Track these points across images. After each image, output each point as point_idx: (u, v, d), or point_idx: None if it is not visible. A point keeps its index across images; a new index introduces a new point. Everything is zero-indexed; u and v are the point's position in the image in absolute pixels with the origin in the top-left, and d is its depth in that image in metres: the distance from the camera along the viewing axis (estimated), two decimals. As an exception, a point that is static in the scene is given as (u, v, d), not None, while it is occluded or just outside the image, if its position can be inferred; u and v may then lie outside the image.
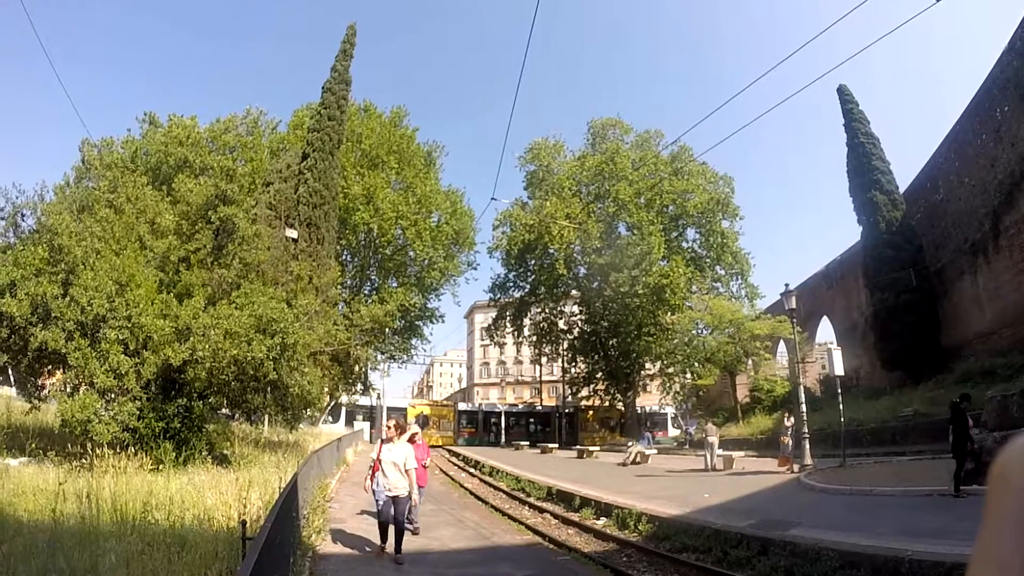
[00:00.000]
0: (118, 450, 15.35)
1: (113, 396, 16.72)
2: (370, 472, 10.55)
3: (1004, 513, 0.90)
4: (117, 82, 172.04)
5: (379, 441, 10.62)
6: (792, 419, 21.25)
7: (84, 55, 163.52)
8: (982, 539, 0.92)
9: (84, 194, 21.55)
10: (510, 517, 16.49)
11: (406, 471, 9.95)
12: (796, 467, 19.85)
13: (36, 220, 19.10)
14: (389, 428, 10.59)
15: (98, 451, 14.88)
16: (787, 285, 23.11)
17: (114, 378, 16.45)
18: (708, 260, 48.96)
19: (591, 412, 55.97)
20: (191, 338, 17.54)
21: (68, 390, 17.64)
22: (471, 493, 21.54)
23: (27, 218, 19.40)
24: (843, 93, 37.11)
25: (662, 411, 57.12)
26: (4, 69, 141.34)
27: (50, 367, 18.98)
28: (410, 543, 12.06)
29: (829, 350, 23.21)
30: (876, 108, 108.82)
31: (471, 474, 27.89)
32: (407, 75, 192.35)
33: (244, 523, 7.36)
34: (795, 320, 23.84)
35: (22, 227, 19.45)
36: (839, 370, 21.65)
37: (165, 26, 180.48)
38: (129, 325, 17.10)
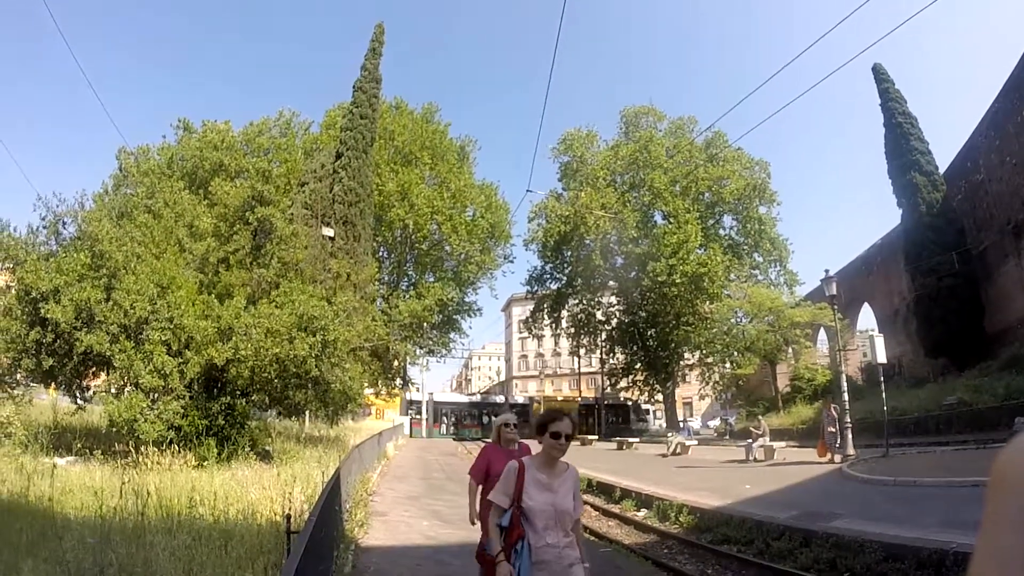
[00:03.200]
0: (163, 448, 15.72)
1: (158, 396, 17.08)
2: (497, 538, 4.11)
3: (1005, 512, 0.89)
4: (149, 89, 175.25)
5: (516, 468, 4.13)
6: (835, 407, 20.90)
7: (116, 63, 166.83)
8: (983, 538, 0.92)
9: (123, 201, 22.03)
10: (550, 510, 16.48)
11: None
12: (838, 457, 19.52)
13: (77, 228, 19.58)
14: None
15: (143, 449, 15.25)
16: (827, 271, 22.68)
17: (159, 378, 16.80)
18: (746, 247, 48.40)
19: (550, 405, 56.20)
20: (233, 337, 17.87)
21: (114, 391, 18.06)
22: (512, 486, 21.55)
23: (68, 226, 19.92)
24: (878, 72, 36.22)
25: (624, 403, 57.46)
26: (39, 79, 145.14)
27: (94, 369, 19.44)
28: (452, 535, 12.15)
29: (871, 337, 22.74)
30: (912, 86, 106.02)
31: (511, 467, 27.89)
32: (437, 71, 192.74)
33: (288, 517, 7.47)
34: (836, 307, 23.40)
35: (63, 235, 19.99)
36: (881, 358, 21.19)
37: (193, 32, 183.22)
38: (171, 326, 17.44)
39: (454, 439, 49.82)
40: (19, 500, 10.15)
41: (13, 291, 18.59)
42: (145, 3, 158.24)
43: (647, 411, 59.82)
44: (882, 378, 21.61)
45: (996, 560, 0.88)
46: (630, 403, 57.85)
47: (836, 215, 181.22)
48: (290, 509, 9.33)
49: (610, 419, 55.08)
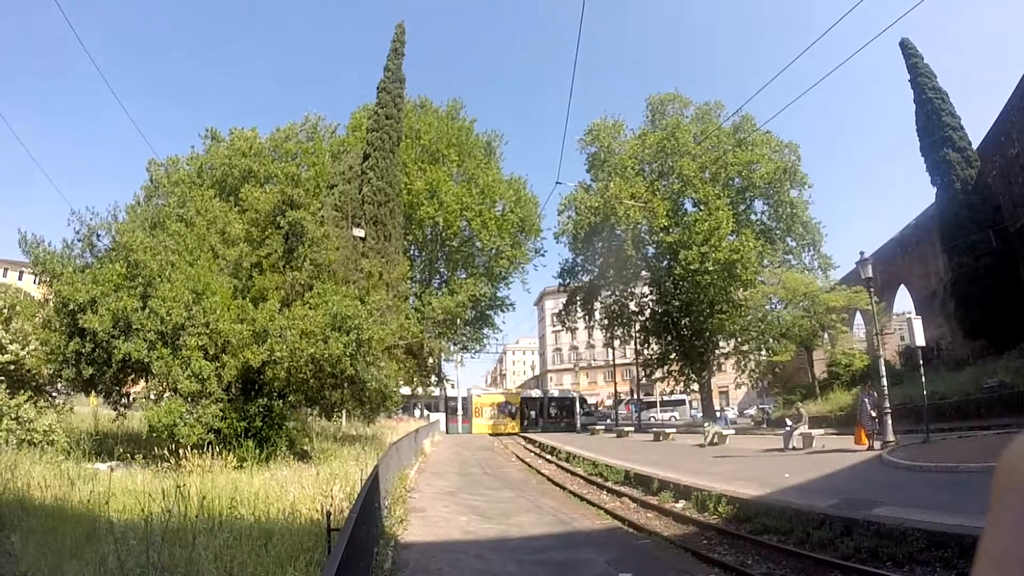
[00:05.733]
0: (203, 450, 15.98)
1: (196, 400, 17.35)
2: None
3: (1009, 512, 0.87)
4: (174, 101, 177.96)
5: None
6: (874, 392, 20.51)
7: (137, 76, 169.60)
8: (986, 537, 0.89)
9: (155, 211, 22.47)
10: (589, 502, 16.48)
11: None
12: (878, 444, 19.16)
13: (111, 239, 20.03)
14: None
15: (184, 452, 15.51)
16: (862, 253, 22.24)
17: (197, 382, 17.08)
18: (778, 232, 47.55)
19: (487, 399, 56.06)
20: (268, 340, 18.11)
21: (153, 397, 18.40)
22: (549, 479, 21.58)
23: (102, 238, 20.43)
24: (906, 47, 35.38)
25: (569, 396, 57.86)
26: (66, 93, 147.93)
27: (133, 376, 19.84)
28: (490, 530, 12.21)
29: (909, 320, 22.26)
30: (942, 60, 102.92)
31: (548, 460, 27.94)
32: (459, 67, 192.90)
33: (329, 515, 7.54)
34: (872, 290, 22.93)
35: (98, 247, 20.52)
36: (920, 341, 20.65)
37: (216, 41, 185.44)
38: (208, 331, 17.74)
39: (490, 435, 50.02)
40: (63, 504, 10.39)
41: (51, 304, 19.08)
42: (165, 13, 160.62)
43: (594, 404, 60.35)
44: (921, 362, 21.13)
45: (999, 560, 0.86)
46: (575, 396, 58.59)
47: (870, 196, 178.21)
48: (330, 507, 9.42)
49: (552, 412, 55.36)
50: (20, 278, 58.49)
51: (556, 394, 62.47)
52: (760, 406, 48.34)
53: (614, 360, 58.67)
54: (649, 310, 52.68)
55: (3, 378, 17.79)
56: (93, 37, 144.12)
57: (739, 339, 45.67)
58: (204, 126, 43.94)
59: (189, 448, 15.85)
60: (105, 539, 7.67)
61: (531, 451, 33.56)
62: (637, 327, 53.22)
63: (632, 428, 42.98)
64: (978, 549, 0.88)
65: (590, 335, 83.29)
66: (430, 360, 43.99)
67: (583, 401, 58.06)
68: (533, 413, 54.92)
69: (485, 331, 56.55)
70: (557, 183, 53.21)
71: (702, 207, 44.79)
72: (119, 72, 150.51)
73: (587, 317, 54.69)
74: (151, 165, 26.59)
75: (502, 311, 57.00)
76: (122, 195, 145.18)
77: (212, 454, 15.85)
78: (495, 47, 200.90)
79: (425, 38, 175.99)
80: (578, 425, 52.39)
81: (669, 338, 50.97)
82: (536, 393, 60.20)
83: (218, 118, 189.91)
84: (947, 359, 32.59)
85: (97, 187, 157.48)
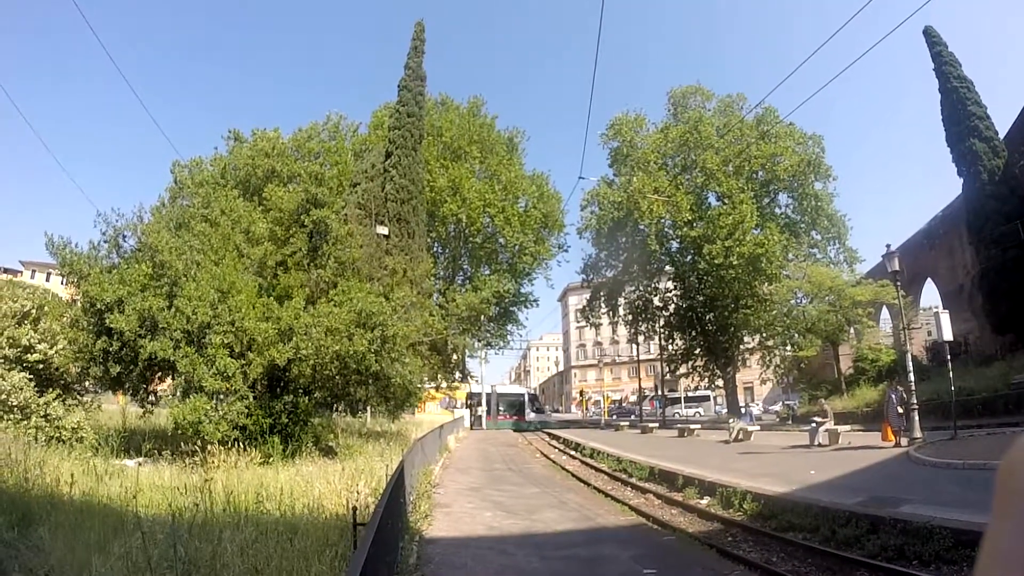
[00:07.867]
0: (229, 447, 16.15)
1: (222, 397, 17.53)
2: None
3: (1011, 513, 0.85)
4: (196, 103, 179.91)
5: None
6: (901, 388, 20.21)
7: (160, 79, 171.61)
8: (989, 539, 0.88)
9: (180, 212, 22.70)
10: (613, 498, 16.43)
11: None
12: (905, 441, 18.89)
13: (137, 240, 20.32)
14: None
15: (210, 448, 15.69)
16: (888, 246, 21.90)
17: (222, 380, 17.26)
18: (803, 225, 46.98)
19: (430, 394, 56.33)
20: (294, 337, 18.27)
21: (179, 394, 18.64)
22: (573, 475, 21.54)
23: (128, 239, 20.74)
24: (930, 35, 34.71)
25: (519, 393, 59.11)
26: (94, 101, 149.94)
27: (160, 374, 20.10)
28: (514, 526, 12.22)
29: (936, 314, 21.84)
30: (965, 48, 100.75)
31: (572, 456, 27.91)
32: (480, 64, 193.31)
33: (355, 510, 7.58)
34: (899, 283, 22.55)
35: (124, 248, 20.84)
36: (947, 335, 20.21)
37: (235, 42, 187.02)
38: (233, 329, 17.92)
39: (514, 430, 50.10)
40: (90, 500, 10.55)
41: (79, 304, 19.38)
42: (186, 16, 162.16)
43: (544, 401, 60.85)
44: (948, 357, 20.74)
45: (1001, 562, 0.84)
46: (525, 393, 60.15)
47: (896, 188, 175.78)
48: (356, 502, 9.47)
49: (502, 408, 56.46)
50: (47, 279, 59.56)
51: (505, 390, 63.12)
52: (785, 402, 47.82)
53: (638, 356, 58.50)
54: (673, 305, 52.41)
55: (32, 377, 18.06)
56: (116, 41, 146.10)
57: (764, 334, 45.17)
58: (226, 128, 44.18)
59: (215, 444, 16.04)
60: (132, 533, 7.77)
61: (555, 447, 33.56)
62: (661, 322, 52.91)
63: (656, 424, 42.72)
64: (980, 550, 0.87)
65: (614, 331, 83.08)
66: (454, 356, 44.13)
67: (533, 398, 59.72)
68: (480, 410, 55.16)
69: (509, 327, 56.53)
70: (580, 178, 53.45)
71: (726, 201, 44.44)
72: (141, 75, 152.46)
73: (611, 313, 54.50)
74: (175, 167, 26.86)
75: (526, 307, 56.96)
76: (147, 197, 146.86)
77: (238, 450, 16.02)
78: (515, 43, 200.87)
79: (445, 36, 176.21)
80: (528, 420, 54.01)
81: (693, 333, 50.69)
82: (486, 389, 60.40)
83: (240, 119, 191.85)
84: (975, 354, 31.99)
85: (122, 190, 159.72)
